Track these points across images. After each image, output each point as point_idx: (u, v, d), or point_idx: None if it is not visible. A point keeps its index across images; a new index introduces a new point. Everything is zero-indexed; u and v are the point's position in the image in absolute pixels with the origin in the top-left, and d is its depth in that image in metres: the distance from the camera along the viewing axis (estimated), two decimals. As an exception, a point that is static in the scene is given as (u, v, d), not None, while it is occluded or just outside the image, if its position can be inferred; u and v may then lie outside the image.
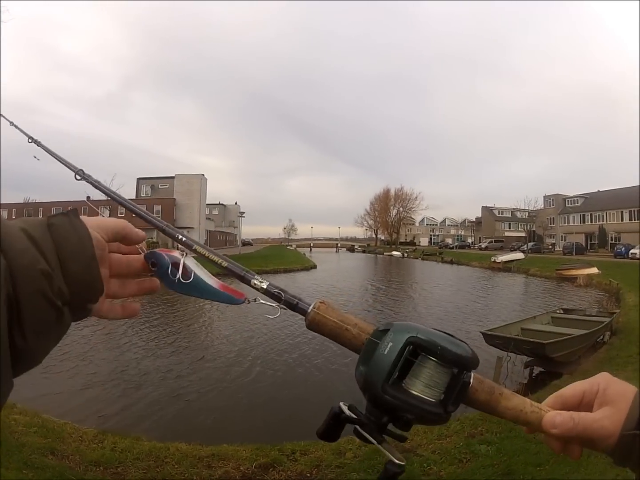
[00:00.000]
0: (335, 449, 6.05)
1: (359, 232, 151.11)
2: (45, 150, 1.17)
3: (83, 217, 0.63)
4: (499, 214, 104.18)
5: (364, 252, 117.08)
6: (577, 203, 78.97)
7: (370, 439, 0.65)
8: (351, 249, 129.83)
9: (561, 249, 64.10)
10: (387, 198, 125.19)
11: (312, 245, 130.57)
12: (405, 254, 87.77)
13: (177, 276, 0.73)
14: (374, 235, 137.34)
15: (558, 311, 14.92)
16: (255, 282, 0.77)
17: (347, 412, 0.67)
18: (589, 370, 9.89)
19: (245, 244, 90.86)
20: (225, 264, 0.79)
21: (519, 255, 53.56)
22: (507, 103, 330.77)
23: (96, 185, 0.96)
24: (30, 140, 1.25)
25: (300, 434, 6.95)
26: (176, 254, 0.75)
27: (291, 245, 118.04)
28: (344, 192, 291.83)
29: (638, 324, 13.13)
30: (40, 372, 9.53)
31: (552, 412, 0.64)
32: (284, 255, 62.37)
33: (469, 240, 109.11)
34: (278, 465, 5.67)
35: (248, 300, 0.76)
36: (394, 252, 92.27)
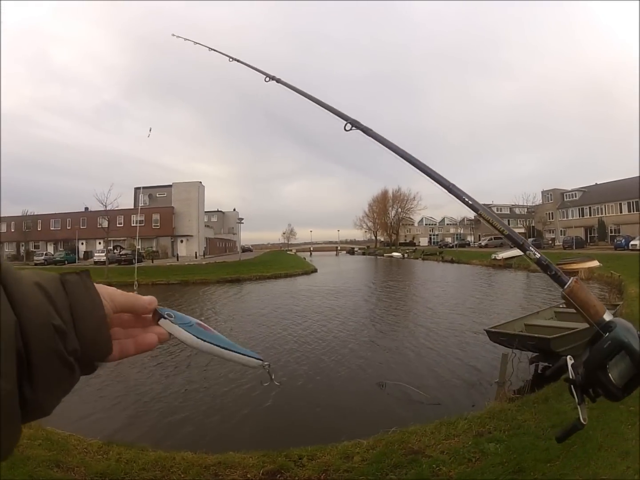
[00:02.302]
0: (343, 453, 6.01)
1: (359, 234, 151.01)
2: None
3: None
4: (497, 211, 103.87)
5: (363, 254, 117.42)
6: (576, 197, 78.99)
7: (576, 397, 0.90)
8: (351, 252, 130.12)
9: (561, 243, 64.09)
10: (385, 199, 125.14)
11: (312, 249, 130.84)
12: (406, 255, 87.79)
13: (210, 334, 0.75)
14: (373, 237, 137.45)
15: (561, 305, 14.84)
16: (530, 252, 1.01)
17: (570, 367, 0.93)
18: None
19: (245, 250, 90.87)
20: (506, 232, 1.05)
21: (519, 252, 53.58)
22: (501, 99, 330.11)
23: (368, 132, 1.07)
24: (230, 60, 1.57)
25: (306, 439, 6.91)
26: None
27: (291, 250, 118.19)
28: (341, 194, 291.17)
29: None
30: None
31: None
32: (284, 260, 62.36)
33: (469, 238, 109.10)
34: (285, 472, 5.61)
35: (264, 367, 0.80)
36: (394, 253, 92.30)
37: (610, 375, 0.86)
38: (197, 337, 0.73)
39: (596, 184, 78.74)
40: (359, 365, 12.09)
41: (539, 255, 0.98)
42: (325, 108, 1.33)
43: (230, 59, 1.83)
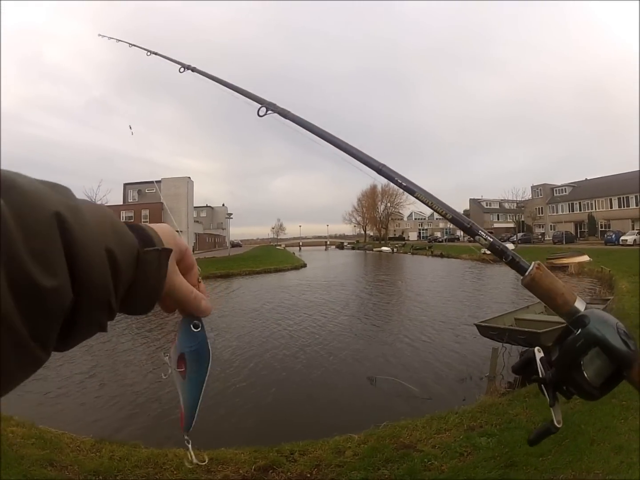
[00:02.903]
0: (334, 447, 6.02)
1: (348, 229, 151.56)
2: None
3: (158, 226, 0.62)
4: (487, 205, 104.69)
5: (353, 248, 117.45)
6: (565, 192, 79.30)
7: (548, 398, 0.83)
8: (340, 246, 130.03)
9: (551, 238, 64.48)
10: (374, 194, 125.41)
11: (301, 244, 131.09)
12: (395, 249, 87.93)
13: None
14: (362, 232, 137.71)
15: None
16: (481, 237, 0.90)
17: (538, 362, 0.86)
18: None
19: (234, 245, 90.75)
20: (450, 215, 0.90)
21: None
22: (493, 95, 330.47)
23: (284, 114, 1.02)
24: (148, 54, 1.67)
25: (298, 434, 6.91)
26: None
27: (280, 245, 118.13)
28: (330, 189, 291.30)
29: (633, 309, 13.17)
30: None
31: None
32: (273, 255, 62.30)
33: (458, 233, 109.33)
34: (277, 467, 5.61)
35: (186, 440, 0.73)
36: (384, 248, 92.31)
37: (585, 374, 0.78)
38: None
39: (586, 179, 79.14)
40: (350, 359, 12.09)
41: (492, 240, 0.88)
42: (239, 92, 1.28)
43: (148, 53, 1.89)
